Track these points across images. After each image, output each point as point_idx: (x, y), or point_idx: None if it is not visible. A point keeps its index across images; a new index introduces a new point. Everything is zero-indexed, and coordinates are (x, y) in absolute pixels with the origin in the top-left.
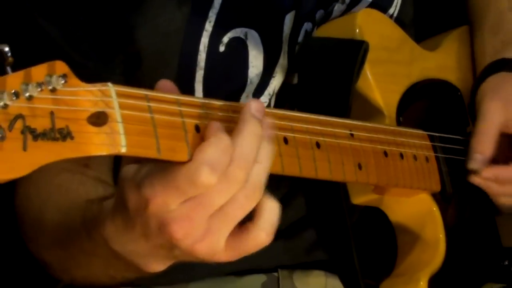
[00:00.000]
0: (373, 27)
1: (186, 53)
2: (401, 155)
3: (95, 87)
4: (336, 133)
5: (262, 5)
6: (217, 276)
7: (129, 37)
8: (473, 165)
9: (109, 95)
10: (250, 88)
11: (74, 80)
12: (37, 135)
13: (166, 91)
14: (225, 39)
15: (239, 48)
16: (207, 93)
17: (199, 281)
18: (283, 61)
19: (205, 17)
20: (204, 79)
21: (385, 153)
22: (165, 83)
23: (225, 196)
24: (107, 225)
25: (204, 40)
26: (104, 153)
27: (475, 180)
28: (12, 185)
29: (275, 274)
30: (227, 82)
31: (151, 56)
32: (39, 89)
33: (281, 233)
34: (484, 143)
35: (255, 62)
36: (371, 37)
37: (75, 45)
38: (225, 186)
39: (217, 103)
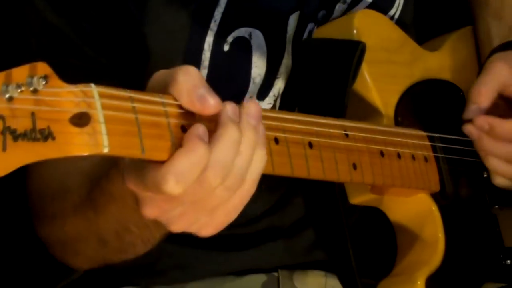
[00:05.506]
0: (371, 28)
1: (191, 51)
2: (398, 155)
3: (77, 88)
4: (330, 133)
5: (266, 5)
6: (216, 276)
7: (137, 33)
8: (467, 115)
9: (92, 96)
10: (253, 88)
11: (56, 81)
12: (17, 136)
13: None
14: (230, 38)
15: (243, 48)
16: None
17: (198, 280)
18: (287, 62)
19: (210, 16)
20: (207, 78)
21: (382, 153)
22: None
23: (204, 197)
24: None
25: (209, 39)
26: (86, 153)
27: (468, 128)
28: (13, 187)
29: (275, 274)
30: (230, 82)
31: (157, 53)
32: (19, 90)
33: (281, 233)
34: (482, 94)
35: (258, 62)
36: (369, 38)
37: (88, 40)
38: (199, 191)
39: None
